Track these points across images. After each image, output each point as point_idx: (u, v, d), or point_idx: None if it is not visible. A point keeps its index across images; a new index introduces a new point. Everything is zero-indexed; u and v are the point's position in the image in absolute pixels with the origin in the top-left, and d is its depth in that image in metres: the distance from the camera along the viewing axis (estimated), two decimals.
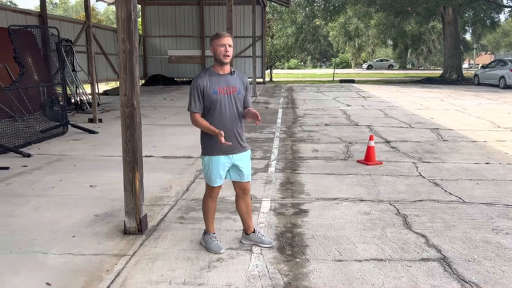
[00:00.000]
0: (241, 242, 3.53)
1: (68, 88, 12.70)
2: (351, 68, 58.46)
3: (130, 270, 3.08)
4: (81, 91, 12.98)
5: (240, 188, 3.42)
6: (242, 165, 3.32)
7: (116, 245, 3.49)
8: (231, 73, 3.22)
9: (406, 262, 3.19)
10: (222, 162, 3.26)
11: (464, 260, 3.21)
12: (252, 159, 6.55)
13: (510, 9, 28.93)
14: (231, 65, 3.40)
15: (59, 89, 9.11)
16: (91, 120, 9.98)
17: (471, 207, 4.38)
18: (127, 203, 3.65)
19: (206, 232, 3.47)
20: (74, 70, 12.91)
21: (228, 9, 9.51)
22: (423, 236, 3.67)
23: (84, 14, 13.10)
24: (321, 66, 66.31)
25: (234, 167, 3.32)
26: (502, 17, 39.30)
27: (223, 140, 3.01)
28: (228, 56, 3.10)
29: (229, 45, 3.11)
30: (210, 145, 3.24)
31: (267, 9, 27.00)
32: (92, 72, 10.39)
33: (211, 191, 3.38)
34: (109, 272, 3.04)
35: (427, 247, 3.45)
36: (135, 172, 3.59)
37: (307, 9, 27.50)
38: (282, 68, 49.13)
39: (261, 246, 3.43)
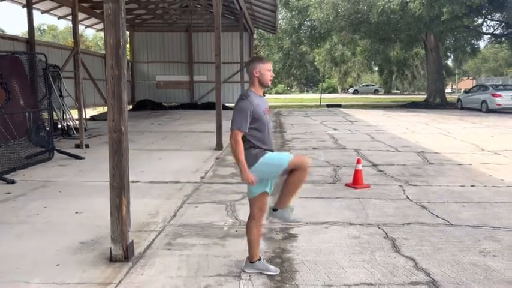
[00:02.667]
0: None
1: (54, 114, 12.64)
2: (337, 92, 59.40)
3: None
4: (68, 116, 12.90)
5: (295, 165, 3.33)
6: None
7: (101, 273, 3.40)
8: (264, 95, 3.43)
9: (396, 286, 3.18)
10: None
11: (453, 283, 3.21)
12: (241, 183, 6.55)
13: (489, 36, 29.96)
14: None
15: (45, 115, 9.04)
16: (77, 146, 9.88)
17: (458, 229, 4.40)
18: (113, 230, 3.59)
19: (258, 260, 3.42)
20: (61, 95, 12.86)
21: (216, 36, 9.67)
22: (412, 259, 3.66)
23: (72, 40, 13.17)
24: (307, 91, 67.22)
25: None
26: (482, 44, 40.61)
27: (253, 183, 3.17)
28: (272, 80, 3.34)
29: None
30: (258, 150, 3.24)
31: (255, 35, 27.50)
32: (80, 98, 10.37)
33: (253, 202, 3.35)
34: None
35: (416, 270, 3.44)
36: (121, 198, 3.55)
37: (293, 36, 28.10)
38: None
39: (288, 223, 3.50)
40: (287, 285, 3.21)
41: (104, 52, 21.85)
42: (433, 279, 3.28)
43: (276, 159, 3.24)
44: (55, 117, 12.51)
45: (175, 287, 3.17)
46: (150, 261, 3.64)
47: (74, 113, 13.01)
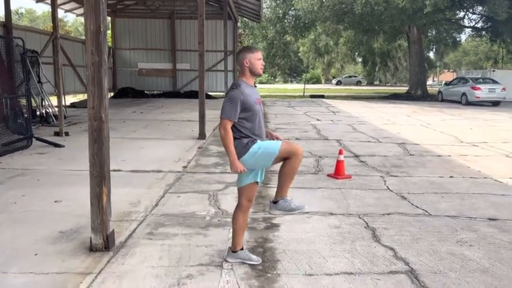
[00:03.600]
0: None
1: (33, 100, 12.33)
2: (321, 83, 59.57)
3: None
4: (47, 103, 12.60)
5: (287, 152, 3.30)
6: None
7: (81, 262, 3.36)
8: (254, 85, 3.39)
9: (375, 275, 3.23)
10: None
11: (431, 272, 3.28)
12: (223, 173, 6.55)
13: (471, 29, 30.39)
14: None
15: (23, 101, 8.80)
16: (57, 134, 9.68)
17: (437, 220, 4.50)
18: (93, 219, 3.53)
19: (241, 249, 3.44)
20: (39, 82, 12.54)
21: (200, 24, 9.53)
22: (391, 248, 3.73)
23: (51, 24, 12.81)
24: (291, 82, 67.22)
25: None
26: (463, 37, 41.24)
27: (242, 171, 3.15)
28: (262, 69, 3.31)
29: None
30: (249, 139, 3.21)
31: (239, 24, 27.26)
32: (59, 84, 10.12)
33: (241, 192, 3.35)
34: None
35: (395, 260, 3.51)
36: (102, 187, 3.50)
37: (277, 25, 27.95)
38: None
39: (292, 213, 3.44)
40: (269, 275, 3.23)
41: (84, 38, 21.38)
42: (412, 268, 3.35)
43: (267, 147, 3.20)
44: (34, 104, 12.22)
45: (156, 277, 3.15)
46: (131, 251, 3.61)
47: (54, 100, 12.72)
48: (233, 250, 3.42)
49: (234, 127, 3.19)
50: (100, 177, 3.48)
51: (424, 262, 3.46)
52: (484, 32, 28.14)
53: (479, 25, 28.34)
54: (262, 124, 3.34)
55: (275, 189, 3.41)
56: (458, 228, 4.25)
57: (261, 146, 3.20)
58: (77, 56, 18.76)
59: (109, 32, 24.82)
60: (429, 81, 60.50)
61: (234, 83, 3.29)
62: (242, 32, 32.34)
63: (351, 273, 3.25)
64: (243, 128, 3.20)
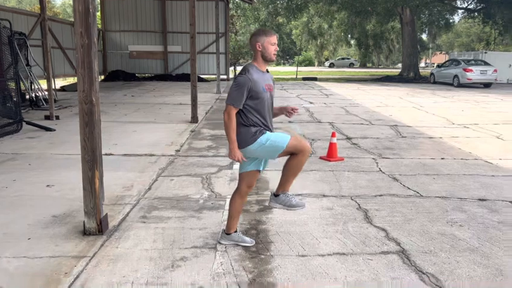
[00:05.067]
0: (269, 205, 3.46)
1: (22, 84, 12.14)
2: (314, 65, 59.32)
3: (90, 272, 2.98)
4: (36, 87, 12.42)
5: (295, 148, 3.18)
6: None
7: (74, 246, 3.36)
8: (267, 71, 3.22)
9: (367, 255, 3.28)
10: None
11: (422, 252, 3.34)
12: (216, 156, 6.55)
13: (463, 10, 30.28)
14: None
15: (12, 85, 8.66)
16: (47, 117, 9.57)
17: (428, 201, 4.55)
18: (86, 203, 3.53)
19: (235, 231, 3.43)
20: (28, 65, 12.32)
21: (191, 5, 9.37)
22: (383, 229, 3.78)
23: (39, 6, 12.52)
24: (284, 64, 66.82)
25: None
26: (456, 18, 41.10)
27: (241, 160, 3.12)
28: (276, 54, 3.13)
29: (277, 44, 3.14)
30: (256, 129, 3.11)
31: (230, 5, 26.89)
32: (48, 67, 9.95)
33: (241, 177, 3.29)
34: (67, 275, 2.93)
35: (387, 240, 3.56)
36: (94, 171, 3.48)
37: (270, 6, 27.60)
38: None
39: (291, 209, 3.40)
40: (262, 256, 3.26)
41: (73, 20, 20.97)
42: (403, 249, 3.40)
43: (274, 140, 3.08)
44: (22, 87, 12.04)
45: (150, 259, 3.17)
46: (125, 234, 3.61)
47: (43, 83, 12.54)
48: (227, 232, 3.44)
49: (242, 114, 3.08)
50: (92, 161, 3.46)
51: (415, 242, 3.52)
52: (476, 14, 28.07)
53: (471, 6, 28.26)
54: (269, 111, 3.20)
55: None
56: (449, 208, 4.31)
57: (269, 138, 3.09)
58: (66, 39, 18.44)
59: (98, 13, 24.33)
60: (422, 64, 60.59)
61: (244, 67, 3.14)
62: (234, 14, 31.88)
63: (343, 254, 3.30)
64: (252, 116, 3.09)
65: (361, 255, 3.27)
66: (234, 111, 3.06)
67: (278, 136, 3.13)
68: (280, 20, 31.18)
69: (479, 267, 3.11)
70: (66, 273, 2.95)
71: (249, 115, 3.10)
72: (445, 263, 3.17)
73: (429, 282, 2.90)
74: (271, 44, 3.07)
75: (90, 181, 3.49)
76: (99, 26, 24.06)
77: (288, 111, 3.35)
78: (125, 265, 3.09)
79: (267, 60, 3.12)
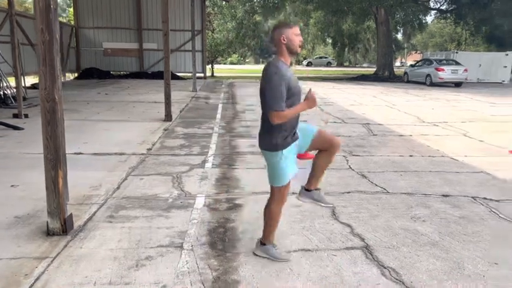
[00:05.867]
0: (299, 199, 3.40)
1: None
2: (292, 64, 59.61)
3: (51, 273, 2.93)
4: (5, 84, 12.07)
5: (324, 142, 3.13)
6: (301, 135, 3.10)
7: (37, 247, 3.30)
8: (291, 64, 3.01)
9: (332, 251, 3.33)
10: (294, 150, 3.04)
11: (385, 247, 3.42)
12: (189, 155, 6.52)
13: (436, 11, 31.00)
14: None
15: None
16: (16, 116, 9.31)
17: (394, 197, 4.66)
18: (49, 203, 3.46)
19: (268, 243, 3.18)
20: None
21: (164, 1, 9.27)
22: (349, 225, 3.85)
23: (6, 1, 12.15)
24: (263, 62, 66.88)
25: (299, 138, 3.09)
26: (429, 19, 42.05)
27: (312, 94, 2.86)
28: (302, 46, 2.93)
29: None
30: (284, 136, 2.93)
31: (207, 3, 26.74)
32: (16, 65, 9.69)
33: (284, 191, 3.06)
34: (28, 277, 2.87)
35: (351, 236, 3.63)
36: (57, 170, 3.42)
37: (247, 4, 27.61)
38: (224, 63, 49.01)
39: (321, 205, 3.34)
40: (228, 254, 3.27)
41: None
42: (367, 244, 3.47)
43: (279, 168, 3.00)
44: None
45: (115, 259, 3.14)
46: (90, 234, 3.57)
47: (12, 81, 12.18)
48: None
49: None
50: (55, 160, 3.40)
51: (379, 238, 3.60)
52: (448, 14, 28.78)
53: (444, 7, 28.95)
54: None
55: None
56: (414, 204, 4.42)
57: (282, 161, 2.98)
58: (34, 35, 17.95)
59: (71, 9, 23.82)
60: (397, 63, 61.68)
61: (273, 65, 2.85)
62: (212, 11, 31.73)
63: (309, 250, 3.35)
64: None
65: (326, 251, 3.33)
66: (281, 115, 2.79)
67: (288, 168, 3.02)
68: (257, 19, 31.21)
69: (438, 260, 3.21)
70: (26, 274, 2.90)
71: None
72: (406, 257, 3.26)
73: (389, 277, 2.97)
74: (295, 34, 2.86)
75: (54, 180, 3.43)
76: (72, 23, 23.60)
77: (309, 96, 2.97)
78: (88, 265, 3.05)
79: (292, 53, 2.89)
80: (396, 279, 2.94)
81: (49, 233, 3.49)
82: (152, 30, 22.82)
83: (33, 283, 2.80)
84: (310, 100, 2.88)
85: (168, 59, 9.45)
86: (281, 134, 2.92)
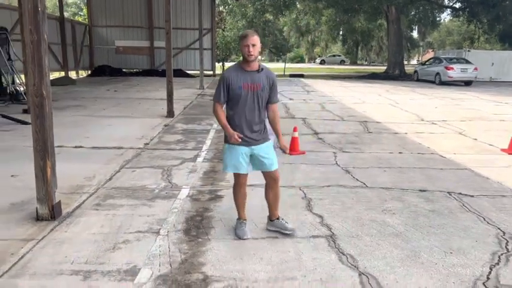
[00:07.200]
0: (267, 228, 3.72)
1: (3, 78, 12.27)
2: (305, 62, 59.59)
3: (35, 253, 3.22)
4: (18, 81, 12.55)
5: (269, 177, 3.59)
6: (263, 155, 3.49)
7: (25, 230, 3.59)
8: (258, 70, 3.37)
9: (297, 239, 3.54)
10: (242, 152, 3.44)
11: (349, 236, 3.61)
12: (183, 149, 6.77)
13: (449, 9, 30.68)
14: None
15: None
16: (25, 111, 9.72)
17: (371, 191, 4.82)
18: (39, 191, 3.75)
19: (238, 218, 3.70)
20: (9, 59, 12.45)
21: (167, 2, 9.55)
22: (320, 216, 4.04)
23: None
24: (277, 60, 66.94)
25: (256, 158, 3.49)
26: (447, 16, 41.50)
27: (237, 140, 3.33)
28: (252, 55, 3.26)
29: (253, 45, 3.25)
30: (230, 134, 3.40)
31: (217, 1, 27.01)
32: (27, 62, 10.09)
33: (236, 178, 3.59)
34: (13, 255, 3.16)
35: (320, 226, 3.83)
36: (46, 160, 3.70)
37: (257, 3, 27.78)
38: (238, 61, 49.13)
39: (283, 233, 3.61)
40: (200, 239, 3.51)
41: (58, 14, 21.01)
42: (333, 233, 3.67)
43: (225, 156, 3.52)
44: (4, 81, 12.19)
45: (94, 242, 3.41)
46: (76, 220, 3.85)
47: (24, 78, 12.65)
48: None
49: (227, 109, 3.43)
50: (43, 151, 3.69)
51: (346, 228, 3.79)
52: (461, 12, 28.44)
53: (457, 5, 28.61)
54: (250, 110, 3.38)
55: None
56: (388, 198, 4.59)
57: (226, 151, 3.50)
58: (51, 33, 18.49)
59: (85, 8, 24.37)
60: (414, 61, 61.03)
61: (230, 67, 3.49)
62: (223, 10, 32.02)
63: (276, 238, 3.56)
64: (228, 115, 3.43)
65: (292, 239, 3.54)
66: (218, 107, 3.40)
67: (232, 160, 3.47)
68: (268, 17, 31.36)
69: (396, 249, 3.39)
70: (12, 254, 3.19)
71: (227, 114, 3.43)
72: (367, 245, 3.44)
73: (346, 262, 3.17)
74: (243, 46, 3.27)
75: (42, 170, 3.71)
76: (86, 21, 24.16)
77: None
78: (69, 247, 3.32)
79: (245, 59, 3.34)
80: (352, 264, 3.13)
81: (38, 218, 3.78)
82: (163, 28, 23.05)
83: (17, 261, 3.08)
84: (231, 136, 3.35)
85: (170, 57, 9.73)
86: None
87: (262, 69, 3.39)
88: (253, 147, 3.44)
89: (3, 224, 3.70)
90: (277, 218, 3.68)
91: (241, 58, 3.45)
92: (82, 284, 2.82)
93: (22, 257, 3.15)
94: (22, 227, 3.65)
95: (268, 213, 3.73)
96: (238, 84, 3.31)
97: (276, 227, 3.66)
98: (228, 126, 3.37)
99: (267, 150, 3.50)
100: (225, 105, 3.46)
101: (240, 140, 3.32)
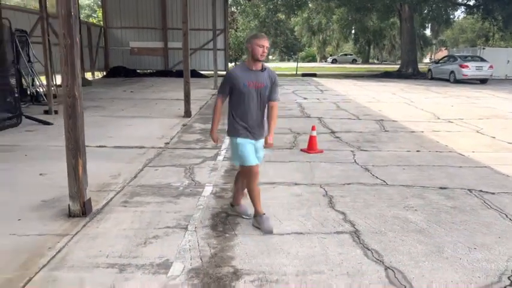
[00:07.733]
0: (228, 213, 4.07)
1: (23, 80, 12.55)
2: (317, 61, 59.49)
3: (71, 247, 3.36)
4: (37, 83, 12.83)
5: None
6: (260, 148, 3.80)
7: (59, 226, 3.74)
8: (262, 70, 3.60)
9: (322, 235, 3.63)
10: (252, 143, 3.68)
11: (372, 232, 3.68)
12: (203, 148, 6.90)
13: (463, 6, 30.39)
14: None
15: (13, 81, 9.05)
16: (46, 112, 9.97)
17: (392, 188, 4.88)
18: (71, 188, 3.90)
19: (255, 215, 3.80)
20: (29, 61, 12.73)
21: (184, 3, 9.68)
22: (343, 213, 4.12)
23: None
24: (288, 60, 66.95)
25: (256, 151, 3.75)
26: (461, 14, 41.05)
27: (216, 143, 3.84)
28: (263, 55, 3.50)
29: (267, 47, 3.51)
30: (237, 128, 3.65)
31: (230, 1, 27.16)
32: (47, 64, 10.35)
33: (251, 171, 3.67)
34: (51, 249, 3.30)
35: (343, 222, 3.90)
36: (77, 159, 3.84)
37: (269, 3, 27.86)
38: None
39: (243, 218, 3.92)
40: (227, 235, 3.62)
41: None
42: (356, 229, 3.74)
43: (241, 151, 3.64)
44: (24, 83, 12.46)
45: (126, 237, 3.54)
46: (106, 216, 3.99)
47: (44, 79, 12.92)
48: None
49: (230, 105, 3.67)
50: (75, 149, 3.83)
51: (369, 224, 3.86)
52: (475, 10, 28.14)
53: (471, 2, 28.32)
54: (254, 107, 3.60)
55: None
56: (409, 195, 4.64)
57: (239, 146, 3.64)
58: None
59: (100, 11, 24.69)
60: (426, 59, 60.49)
61: (235, 66, 3.74)
62: (235, 10, 32.19)
63: (301, 233, 3.65)
64: (233, 110, 3.65)
65: (317, 235, 3.62)
66: (219, 99, 3.70)
67: (239, 153, 3.66)
68: (280, 17, 31.42)
69: (420, 245, 3.45)
70: (49, 248, 3.33)
71: (231, 109, 3.67)
72: (391, 241, 3.51)
73: (371, 257, 3.24)
74: (258, 45, 3.46)
75: (74, 168, 3.86)
76: (101, 23, 24.50)
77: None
78: (103, 242, 3.46)
79: (253, 59, 3.53)
80: (377, 259, 3.21)
81: (70, 214, 3.93)
82: (177, 29, 23.37)
83: (55, 255, 3.22)
84: (214, 139, 3.91)
85: (187, 58, 9.90)
86: (230, 121, 3.71)
87: (265, 68, 3.65)
88: (256, 140, 3.71)
89: (39, 220, 3.85)
90: (238, 205, 4.04)
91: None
92: (119, 277, 2.94)
93: (59, 250, 3.29)
94: (56, 223, 3.80)
95: (232, 200, 4.13)
96: (244, 82, 3.52)
97: (236, 212, 4.02)
98: (216, 127, 3.81)
99: (262, 145, 3.80)
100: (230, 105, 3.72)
101: (220, 142, 3.69)
